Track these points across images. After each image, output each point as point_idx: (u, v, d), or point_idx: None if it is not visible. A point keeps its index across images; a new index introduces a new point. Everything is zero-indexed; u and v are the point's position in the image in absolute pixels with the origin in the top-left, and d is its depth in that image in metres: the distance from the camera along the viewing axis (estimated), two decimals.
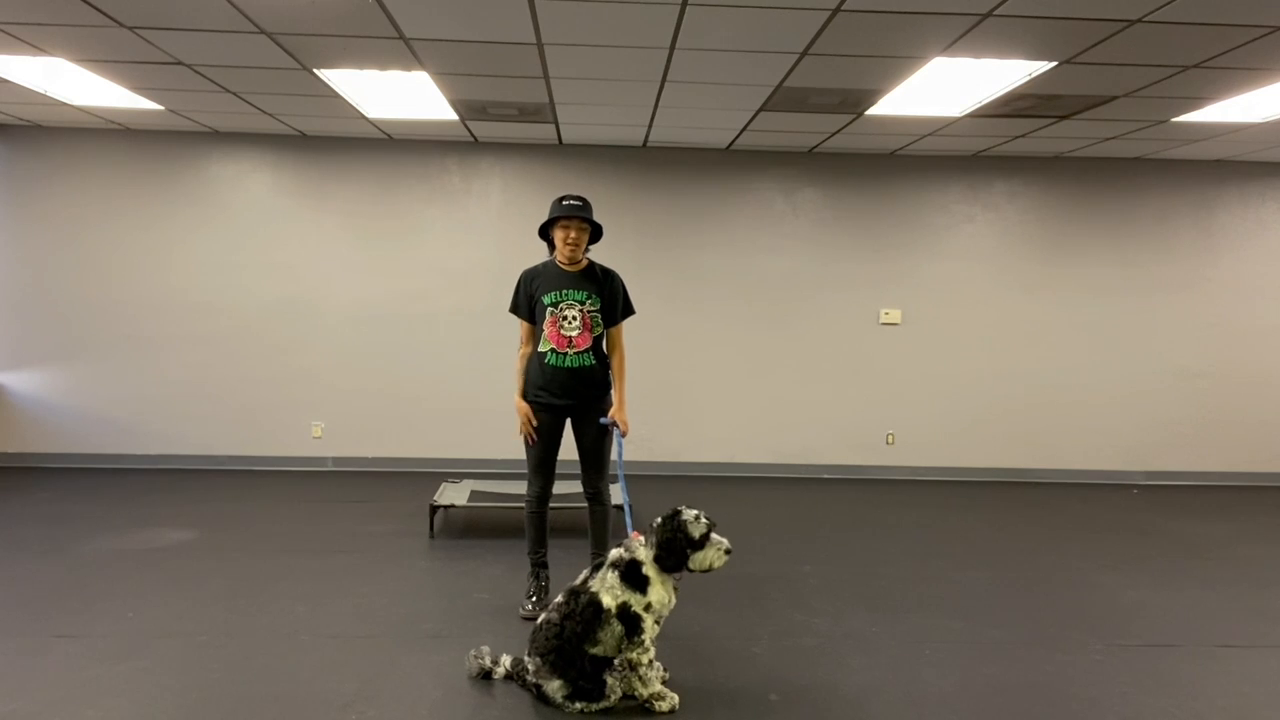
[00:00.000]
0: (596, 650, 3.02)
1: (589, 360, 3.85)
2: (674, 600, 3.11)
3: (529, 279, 3.96)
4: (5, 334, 6.87)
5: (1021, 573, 4.75)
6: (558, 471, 4.05)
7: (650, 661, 3.04)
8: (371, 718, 2.95)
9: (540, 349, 3.87)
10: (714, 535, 3.06)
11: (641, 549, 3.09)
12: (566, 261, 3.88)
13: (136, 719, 2.92)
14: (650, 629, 3.02)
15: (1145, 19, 3.84)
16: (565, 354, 3.82)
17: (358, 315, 7.01)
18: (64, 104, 5.87)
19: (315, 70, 4.92)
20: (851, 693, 3.22)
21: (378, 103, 5.66)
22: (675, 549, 3.02)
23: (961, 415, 7.27)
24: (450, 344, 7.02)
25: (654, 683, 3.05)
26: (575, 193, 3.96)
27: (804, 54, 4.44)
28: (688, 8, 3.81)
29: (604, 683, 3.02)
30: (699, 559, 3.03)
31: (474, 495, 5.53)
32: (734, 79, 4.92)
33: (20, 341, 6.88)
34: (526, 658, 3.16)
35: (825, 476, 7.22)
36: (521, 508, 4.06)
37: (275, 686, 3.16)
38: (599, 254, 4.11)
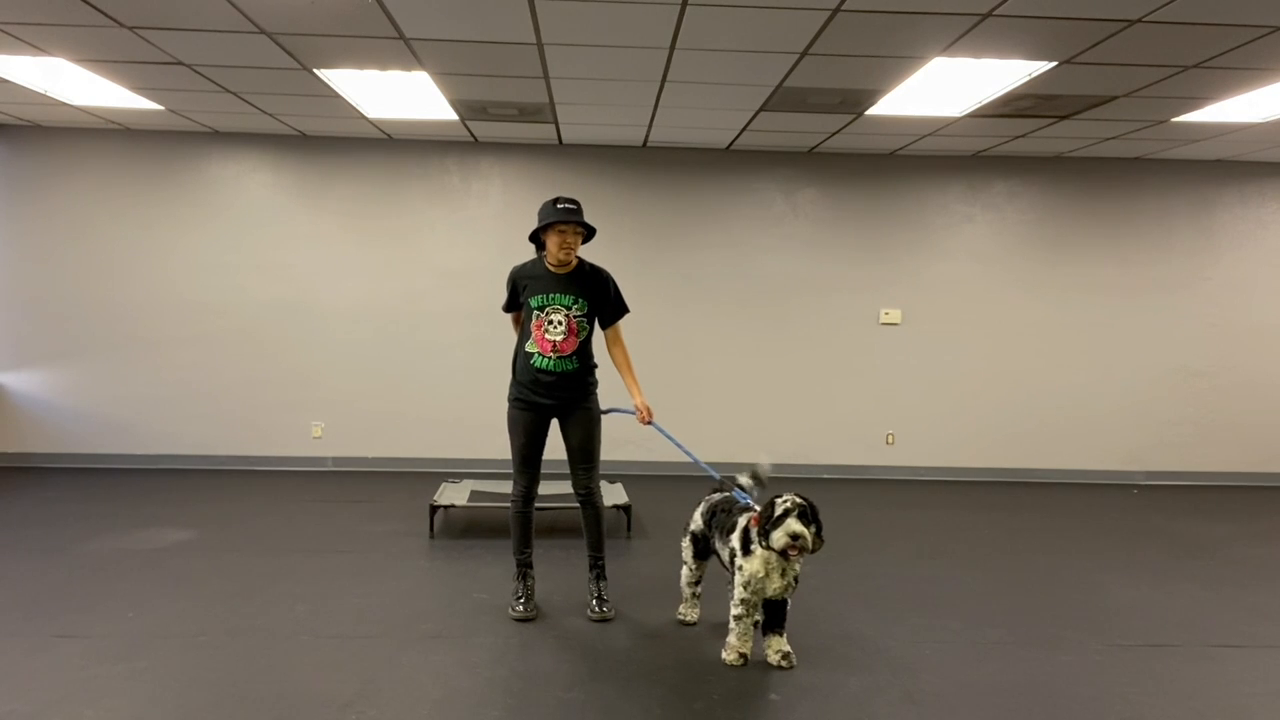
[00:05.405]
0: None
1: (572, 365, 3.82)
2: (774, 580, 3.33)
3: (518, 277, 3.93)
4: (5, 334, 6.87)
5: (1021, 573, 4.75)
6: (557, 472, 4.04)
7: (737, 617, 3.40)
8: (372, 718, 2.94)
9: (526, 349, 3.85)
10: (790, 520, 3.23)
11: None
12: (558, 265, 3.83)
13: (136, 719, 2.92)
14: (739, 589, 3.37)
15: (1145, 19, 3.84)
16: (549, 358, 3.80)
17: (358, 315, 7.01)
18: (64, 104, 5.87)
19: (315, 70, 4.92)
20: (852, 692, 3.22)
21: (378, 103, 5.66)
22: (761, 522, 3.32)
23: (961, 415, 7.27)
24: (450, 344, 7.02)
25: (731, 635, 3.43)
26: (570, 195, 3.92)
27: (804, 54, 4.44)
28: (688, 8, 3.81)
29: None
30: (774, 537, 3.25)
31: (474, 495, 5.54)
32: (734, 79, 4.92)
33: (20, 341, 6.88)
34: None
35: (825, 476, 7.22)
36: None
37: (275, 686, 3.16)
38: (596, 254, 4.11)
